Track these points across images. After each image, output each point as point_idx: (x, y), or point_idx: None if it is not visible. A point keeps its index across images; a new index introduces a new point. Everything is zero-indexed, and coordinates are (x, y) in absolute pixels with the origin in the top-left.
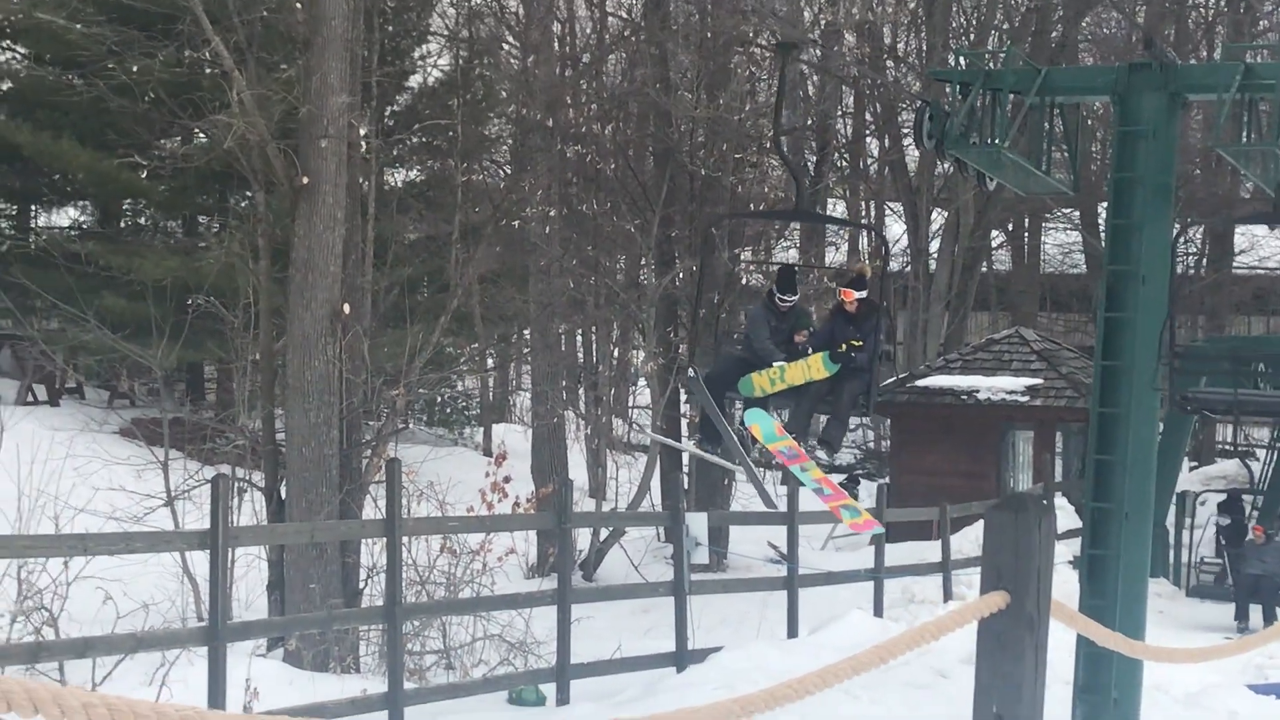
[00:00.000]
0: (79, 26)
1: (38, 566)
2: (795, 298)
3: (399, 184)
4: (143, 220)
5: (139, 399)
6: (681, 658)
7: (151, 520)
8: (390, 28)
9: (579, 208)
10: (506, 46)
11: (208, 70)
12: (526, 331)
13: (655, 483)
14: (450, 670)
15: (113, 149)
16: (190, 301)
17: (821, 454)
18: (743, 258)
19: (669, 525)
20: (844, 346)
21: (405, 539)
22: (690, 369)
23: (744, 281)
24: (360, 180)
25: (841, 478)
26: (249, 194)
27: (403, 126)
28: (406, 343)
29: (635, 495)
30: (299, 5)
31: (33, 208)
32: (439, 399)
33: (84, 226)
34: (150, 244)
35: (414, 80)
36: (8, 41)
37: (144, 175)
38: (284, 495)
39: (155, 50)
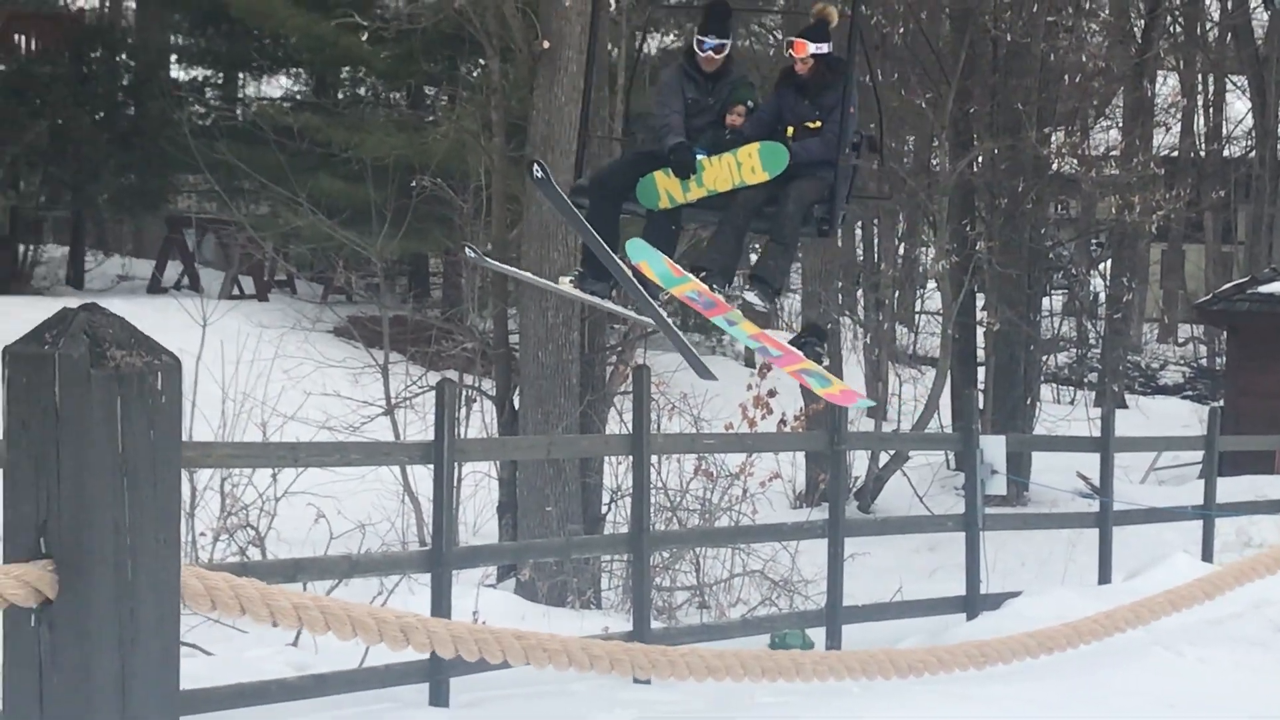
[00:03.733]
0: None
1: (243, 479)
2: (725, 43)
3: (653, 51)
4: (362, 91)
5: (356, 294)
6: (972, 603)
7: (369, 430)
8: None
9: (860, 79)
10: None
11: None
12: None
13: (945, 400)
14: (704, 610)
15: (330, 9)
16: (415, 184)
17: (753, 298)
18: (1054, 139)
19: (960, 450)
20: (790, 131)
21: (654, 458)
22: (535, 162)
23: (1054, 167)
24: (609, 46)
25: (788, 336)
26: (481, 61)
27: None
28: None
29: (921, 414)
30: None
31: (240, 76)
32: None
33: (297, 97)
34: (371, 118)
35: None
36: None
37: (364, 39)
38: (517, 405)
39: None
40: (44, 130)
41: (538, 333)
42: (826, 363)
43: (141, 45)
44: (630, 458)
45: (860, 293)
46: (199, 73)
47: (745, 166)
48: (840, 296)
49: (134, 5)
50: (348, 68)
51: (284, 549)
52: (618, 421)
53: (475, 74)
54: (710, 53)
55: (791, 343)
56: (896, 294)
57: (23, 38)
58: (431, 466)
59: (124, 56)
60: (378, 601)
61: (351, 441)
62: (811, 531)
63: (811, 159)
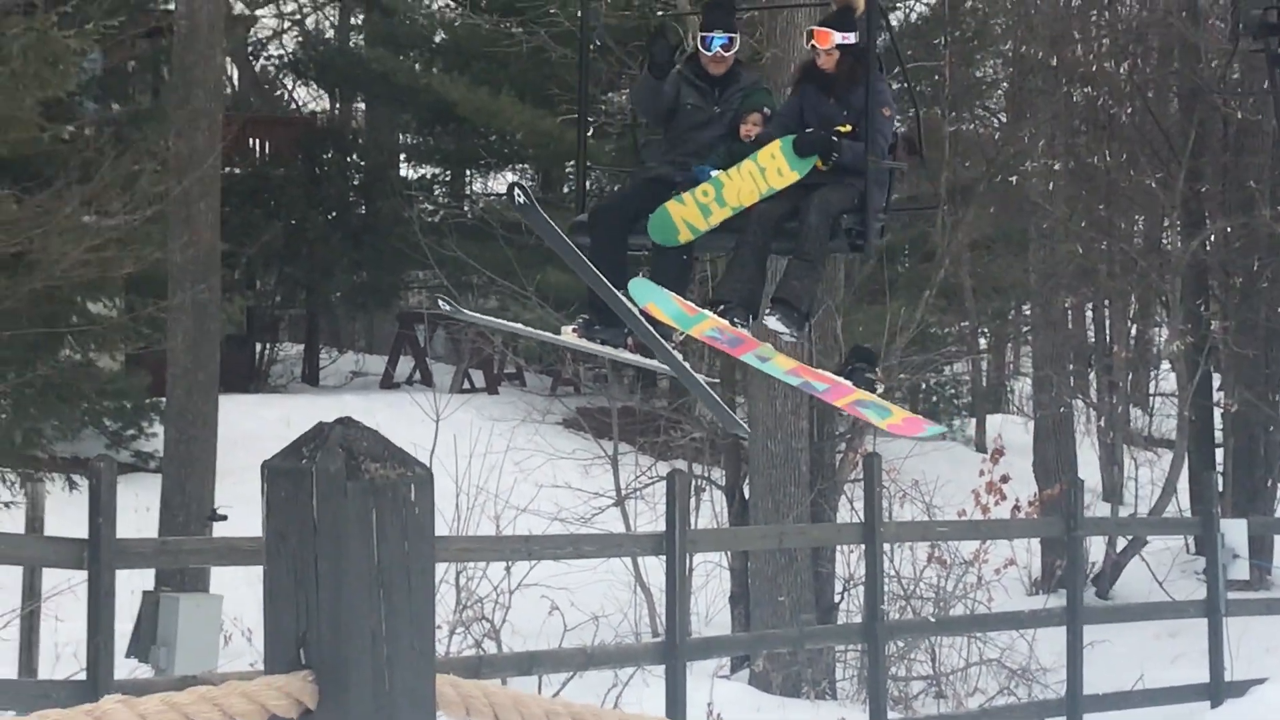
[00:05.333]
0: None
1: (478, 572)
2: (734, 37)
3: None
4: (587, 184)
5: (584, 386)
6: (1217, 691)
7: (600, 521)
8: None
9: (1088, 160)
10: None
11: (659, 13)
12: (1026, 307)
13: (1183, 483)
14: (940, 699)
15: (554, 105)
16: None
17: (775, 323)
18: None
19: (1200, 533)
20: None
21: (887, 546)
22: (516, 186)
23: None
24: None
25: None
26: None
27: (884, 69)
28: (885, 320)
29: (1159, 498)
30: None
31: (468, 172)
32: (924, 385)
33: None
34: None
35: (894, 17)
36: None
37: (589, 134)
38: (747, 494)
39: None
40: (279, 231)
41: (766, 421)
42: (881, 389)
43: (372, 146)
44: (863, 546)
45: (1093, 375)
46: (428, 171)
47: (770, 170)
48: (1072, 379)
49: (364, 107)
50: (572, 162)
51: (519, 642)
52: (849, 509)
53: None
54: (719, 50)
55: (838, 372)
56: (1130, 376)
57: (258, 142)
58: (664, 557)
59: (355, 157)
60: (613, 694)
61: (584, 534)
62: (1049, 619)
63: (850, 161)
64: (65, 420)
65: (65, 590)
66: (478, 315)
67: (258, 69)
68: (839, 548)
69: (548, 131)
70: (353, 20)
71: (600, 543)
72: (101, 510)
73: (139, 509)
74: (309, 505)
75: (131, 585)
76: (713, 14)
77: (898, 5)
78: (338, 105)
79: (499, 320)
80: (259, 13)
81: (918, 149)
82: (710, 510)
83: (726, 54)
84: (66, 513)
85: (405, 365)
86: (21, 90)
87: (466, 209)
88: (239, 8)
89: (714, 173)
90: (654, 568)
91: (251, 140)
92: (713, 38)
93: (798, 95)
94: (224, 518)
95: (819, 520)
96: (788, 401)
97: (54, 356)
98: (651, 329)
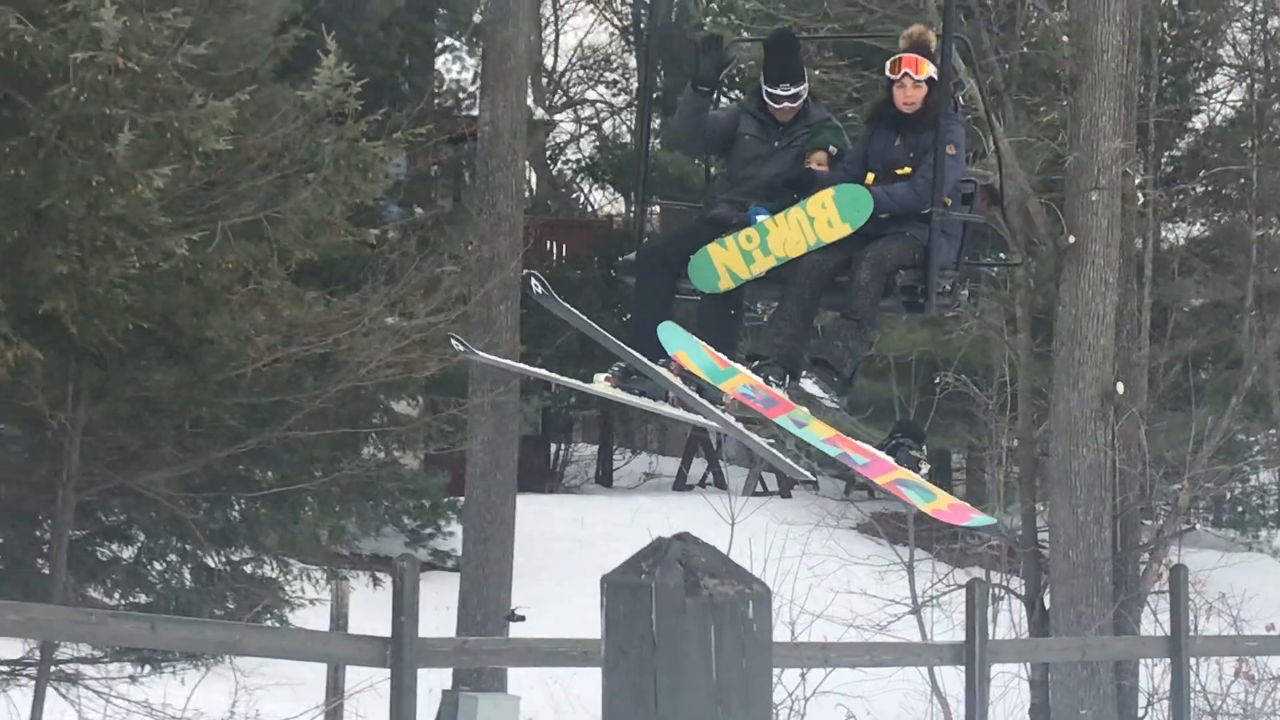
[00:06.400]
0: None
1: (774, 678)
2: (801, 90)
3: (1180, 241)
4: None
5: (878, 490)
6: None
7: (895, 629)
8: (1170, 59)
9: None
10: None
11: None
12: None
13: None
14: None
15: None
16: (938, 379)
17: (812, 387)
18: None
19: None
20: (871, 179)
21: (1193, 660)
22: (533, 276)
23: None
24: (1135, 238)
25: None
26: (1003, 255)
27: (1185, 174)
28: (1190, 428)
29: None
30: (1065, 38)
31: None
32: (1229, 495)
33: None
34: (895, 316)
35: (1198, 120)
36: None
37: None
38: (1047, 605)
39: None
40: (575, 333)
41: (1068, 530)
42: (926, 469)
43: None
44: (1168, 660)
45: None
46: None
47: (819, 221)
48: None
49: (658, 210)
50: None
51: None
52: (1153, 622)
53: (996, 270)
54: (786, 104)
55: (880, 447)
56: None
57: (554, 244)
58: (962, 667)
59: None
60: None
61: (881, 641)
62: None
63: (897, 206)
64: (367, 518)
65: (367, 687)
66: (492, 357)
67: (555, 172)
68: (1143, 661)
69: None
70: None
71: (898, 651)
72: (405, 609)
73: (438, 607)
74: (648, 620)
75: (429, 683)
76: (777, 60)
77: (1206, 105)
78: (633, 208)
79: (520, 365)
80: (557, 118)
81: (1000, 198)
82: (1008, 620)
83: (795, 105)
84: (367, 609)
85: (698, 467)
86: (332, 197)
87: (760, 309)
88: (539, 113)
89: (759, 218)
90: (951, 677)
91: (549, 243)
92: (779, 93)
93: (867, 138)
94: (522, 619)
95: (1122, 632)
96: (1089, 511)
97: (358, 455)
98: (691, 391)
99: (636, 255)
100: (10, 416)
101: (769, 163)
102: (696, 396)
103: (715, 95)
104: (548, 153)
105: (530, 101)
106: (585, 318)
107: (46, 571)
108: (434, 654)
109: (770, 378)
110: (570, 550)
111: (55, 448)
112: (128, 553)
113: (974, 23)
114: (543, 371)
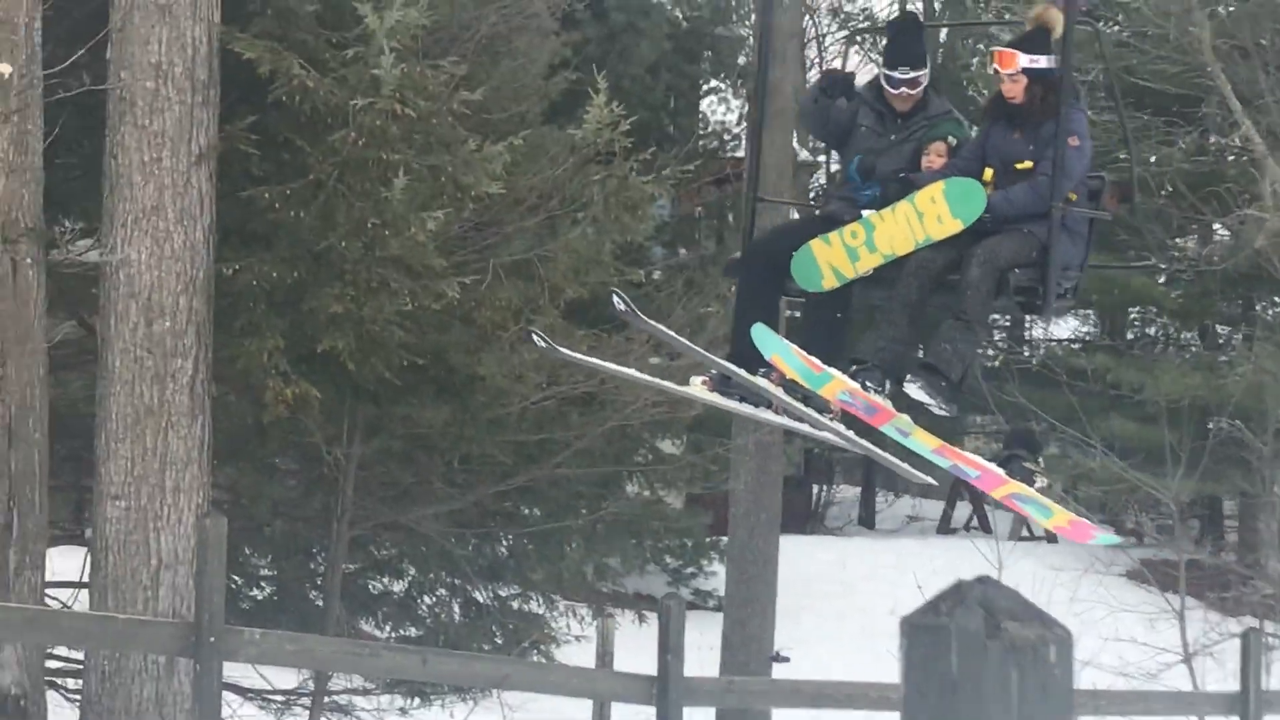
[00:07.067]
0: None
1: None
2: (921, 75)
3: None
4: (1152, 331)
5: (1149, 537)
6: None
7: (1166, 678)
8: None
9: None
10: None
11: (1231, 158)
12: None
13: None
14: None
15: (1121, 252)
16: (1211, 424)
17: (920, 393)
18: None
19: None
20: (989, 174)
21: None
22: (614, 293)
23: None
24: None
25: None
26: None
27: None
28: None
29: None
30: None
31: (1028, 318)
32: None
33: (1087, 338)
34: (1163, 358)
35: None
36: None
37: (1161, 280)
38: None
39: (1173, 137)
40: None
41: None
42: (1042, 483)
43: None
44: None
45: None
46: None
47: (929, 216)
48: None
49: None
50: (1137, 308)
51: None
52: None
53: (1271, 313)
54: (904, 89)
55: (994, 459)
56: None
57: None
58: (1236, 718)
59: None
60: None
61: (1153, 690)
62: None
63: (1017, 210)
64: (630, 556)
65: None
66: (564, 350)
67: (818, 214)
68: None
69: (1112, 277)
70: None
71: (1170, 701)
72: (671, 648)
73: (700, 647)
74: (948, 662)
75: None
76: (898, 45)
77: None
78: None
79: (594, 360)
80: (820, 159)
81: (1131, 195)
82: None
83: (913, 91)
84: (631, 647)
85: (963, 510)
86: (601, 235)
87: (1029, 354)
88: (803, 154)
89: (866, 213)
90: None
91: None
92: (896, 75)
93: (985, 131)
94: (787, 659)
95: None
96: None
97: (623, 493)
98: (795, 400)
99: (743, 254)
100: (288, 452)
101: (885, 156)
102: (800, 405)
103: (838, 98)
104: (810, 194)
105: (795, 142)
106: (672, 332)
107: (320, 604)
108: (699, 693)
109: (868, 383)
110: (832, 592)
111: (330, 483)
112: (398, 586)
113: (1250, 63)
114: (631, 372)
